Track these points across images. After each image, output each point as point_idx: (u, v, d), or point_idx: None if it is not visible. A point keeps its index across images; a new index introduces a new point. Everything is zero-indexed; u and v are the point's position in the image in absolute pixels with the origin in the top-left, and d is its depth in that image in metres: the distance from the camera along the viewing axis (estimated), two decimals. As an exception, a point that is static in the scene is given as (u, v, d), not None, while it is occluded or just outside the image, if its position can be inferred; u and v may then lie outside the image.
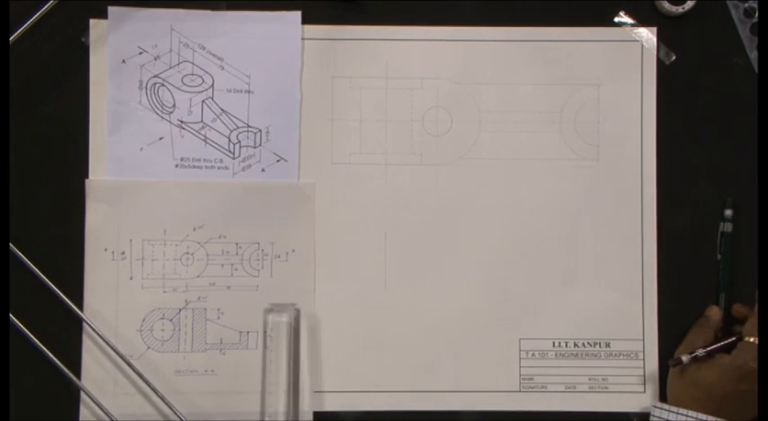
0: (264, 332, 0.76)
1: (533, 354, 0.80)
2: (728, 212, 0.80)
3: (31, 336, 0.77)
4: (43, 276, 0.78)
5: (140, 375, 0.78)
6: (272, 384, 0.77)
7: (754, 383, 0.71)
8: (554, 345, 0.80)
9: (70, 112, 0.79)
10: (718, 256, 0.80)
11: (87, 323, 0.78)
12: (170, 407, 0.78)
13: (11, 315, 0.77)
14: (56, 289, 0.78)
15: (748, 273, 0.80)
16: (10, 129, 0.78)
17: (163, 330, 0.79)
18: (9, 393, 0.73)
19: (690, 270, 0.81)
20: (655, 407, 0.75)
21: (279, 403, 0.76)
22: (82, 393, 0.78)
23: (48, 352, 0.77)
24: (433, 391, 0.79)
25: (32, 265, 0.78)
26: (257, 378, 0.78)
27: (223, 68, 0.80)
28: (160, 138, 0.79)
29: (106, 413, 0.77)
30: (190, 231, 0.79)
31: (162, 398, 0.77)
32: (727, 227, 0.80)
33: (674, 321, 0.80)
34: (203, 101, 0.80)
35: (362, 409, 0.79)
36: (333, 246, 0.80)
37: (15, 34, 0.76)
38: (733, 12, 0.81)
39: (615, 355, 0.80)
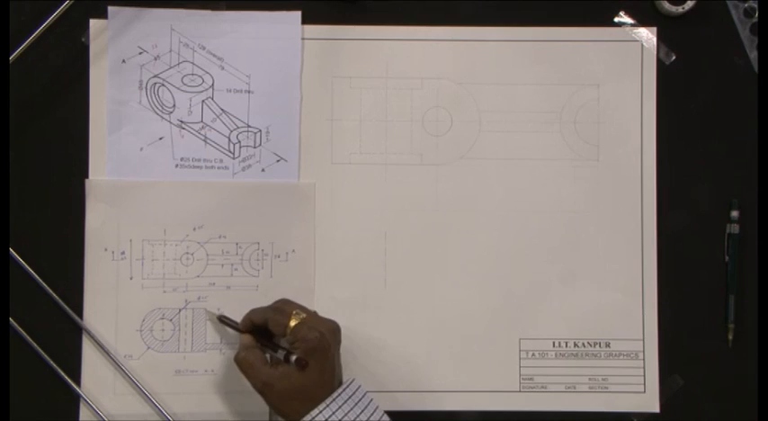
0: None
1: (533, 354, 0.80)
2: (735, 214, 0.80)
3: (30, 340, 0.77)
4: (44, 283, 0.78)
5: (136, 382, 0.78)
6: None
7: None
8: (554, 345, 0.80)
9: (70, 112, 0.79)
10: (726, 258, 0.80)
11: (87, 331, 0.78)
12: (163, 412, 0.78)
13: (11, 317, 0.77)
14: (56, 297, 0.78)
15: (755, 273, 0.80)
16: (10, 129, 0.78)
17: (163, 330, 0.79)
18: (9, 393, 0.73)
19: (690, 269, 0.81)
20: None
21: None
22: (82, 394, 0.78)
23: (48, 358, 0.77)
24: (433, 391, 0.79)
25: (34, 272, 0.78)
26: (257, 378, 0.78)
27: (223, 68, 0.80)
28: (160, 138, 0.79)
29: (106, 417, 0.77)
30: (190, 231, 0.79)
31: (155, 403, 0.77)
32: (734, 228, 0.80)
33: (675, 321, 0.80)
34: (203, 101, 0.80)
35: (362, 409, 0.79)
36: (333, 246, 0.80)
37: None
38: (733, 12, 0.81)
39: (615, 355, 0.80)
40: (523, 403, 0.80)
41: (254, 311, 0.75)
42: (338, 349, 0.73)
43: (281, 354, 0.70)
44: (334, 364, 0.71)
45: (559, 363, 0.80)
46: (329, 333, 0.71)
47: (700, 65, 0.81)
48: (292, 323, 0.71)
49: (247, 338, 0.74)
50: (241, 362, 0.71)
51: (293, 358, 0.69)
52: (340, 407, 0.68)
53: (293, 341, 0.70)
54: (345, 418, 0.68)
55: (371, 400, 0.70)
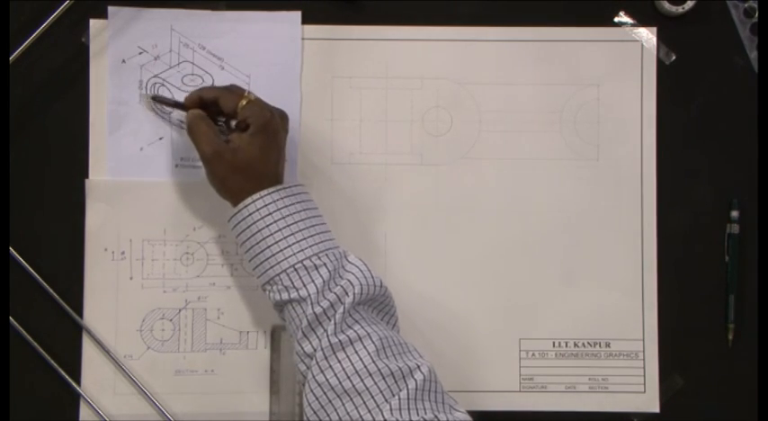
0: (273, 331, 0.77)
1: (533, 354, 0.80)
2: (735, 214, 0.80)
3: (31, 340, 0.77)
4: (44, 283, 0.78)
5: (136, 381, 0.78)
6: (276, 383, 0.78)
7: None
8: (554, 345, 0.80)
9: (70, 112, 0.79)
10: (726, 258, 0.80)
11: (87, 330, 0.78)
12: (163, 412, 0.78)
13: (10, 316, 0.77)
14: (57, 296, 0.78)
15: (755, 273, 0.80)
16: (10, 129, 0.78)
17: (163, 330, 0.79)
18: (9, 393, 0.73)
19: (690, 269, 0.81)
20: None
21: (288, 402, 0.77)
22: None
23: (48, 358, 0.77)
24: (433, 391, 0.79)
25: (34, 272, 0.78)
26: (257, 378, 0.78)
27: (223, 68, 0.80)
28: (160, 139, 0.79)
29: (106, 417, 0.77)
30: (190, 231, 0.79)
31: (155, 403, 0.78)
32: (734, 228, 0.80)
33: (675, 321, 0.80)
34: (203, 101, 0.79)
35: (362, 409, 0.79)
36: (333, 246, 0.80)
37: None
38: (733, 12, 0.81)
39: (615, 355, 0.80)
40: (523, 403, 0.80)
41: (203, 89, 0.74)
42: (285, 139, 0.73)
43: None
44: (281, 151, 0.72)
45: (559, 363, 0.80)
46: (280, 117, 0.72)
47: (700, 65, 0.81)
48: (243, 102, 0.71)
49: (197, 110, 0.73)
50: (195, 127, 0.71)
51: (235, 124, 0.70)
52: (282, 198, 0.69)
53: (244, 118, 0.70)
54: (285, 210, 0.68)
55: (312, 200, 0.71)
